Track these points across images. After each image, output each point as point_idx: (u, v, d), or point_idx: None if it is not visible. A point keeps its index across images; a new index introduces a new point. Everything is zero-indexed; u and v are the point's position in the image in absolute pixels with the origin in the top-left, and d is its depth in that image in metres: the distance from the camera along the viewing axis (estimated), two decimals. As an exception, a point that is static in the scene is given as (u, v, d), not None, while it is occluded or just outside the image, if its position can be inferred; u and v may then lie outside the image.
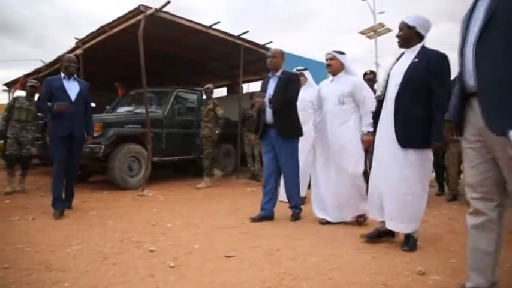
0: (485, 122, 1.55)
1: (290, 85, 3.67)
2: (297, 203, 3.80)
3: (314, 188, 3.70)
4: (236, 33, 6.93)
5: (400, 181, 2.65)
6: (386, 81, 2.74)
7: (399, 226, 2.73)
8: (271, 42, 7.13)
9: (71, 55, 4.30)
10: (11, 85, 11.50)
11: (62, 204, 3.93)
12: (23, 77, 9.80)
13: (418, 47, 2.66)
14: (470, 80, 1.63)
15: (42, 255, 2.61)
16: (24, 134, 5.47)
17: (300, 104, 3.88)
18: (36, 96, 5.82)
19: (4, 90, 12.40)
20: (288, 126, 3.69)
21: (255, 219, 3.64)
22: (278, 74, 3.74)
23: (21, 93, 9.28)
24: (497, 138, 1.54)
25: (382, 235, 2.89)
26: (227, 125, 7.07)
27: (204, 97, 6.67)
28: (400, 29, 2.72)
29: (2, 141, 6.37)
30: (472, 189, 1.75)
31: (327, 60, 3.58)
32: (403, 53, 2.76)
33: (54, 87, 3.95)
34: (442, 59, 2.57)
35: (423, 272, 2.22)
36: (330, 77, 3.63)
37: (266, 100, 3.66)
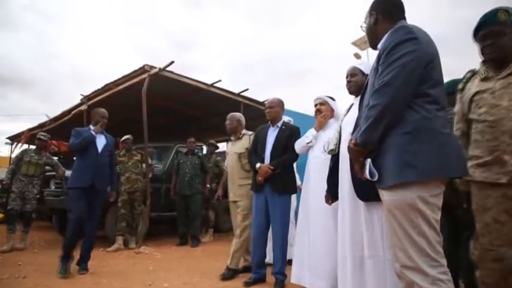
0: None
1: (292, 140, 3.41)
2: (282, 269, 3.34)
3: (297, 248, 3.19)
4: (237, 90, 7.18)
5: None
6: (340, 134, 2.50)
7: None
8: (270, 99, 7.28)
9: (104, 110, 4.19)
10: (14, 139, 11.67)
11: (68, 262, 3.72)
12: (26, 131, 9.99)
13: None
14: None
15: (31, 317, 2.49)
16: (30, 189, 5.34)
17: None
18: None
19: (6, 143, 12.53)
20: (283, 180, 3.42)
21: (248, 283, 3.39)
22: (279, 124, 3.58)
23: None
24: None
25: None
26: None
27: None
28: (354, 74, 2.56)
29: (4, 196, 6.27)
30: None
31: (316, 105, 3.29)
32: (352, 104, 2.56)
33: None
34: None
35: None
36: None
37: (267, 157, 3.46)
